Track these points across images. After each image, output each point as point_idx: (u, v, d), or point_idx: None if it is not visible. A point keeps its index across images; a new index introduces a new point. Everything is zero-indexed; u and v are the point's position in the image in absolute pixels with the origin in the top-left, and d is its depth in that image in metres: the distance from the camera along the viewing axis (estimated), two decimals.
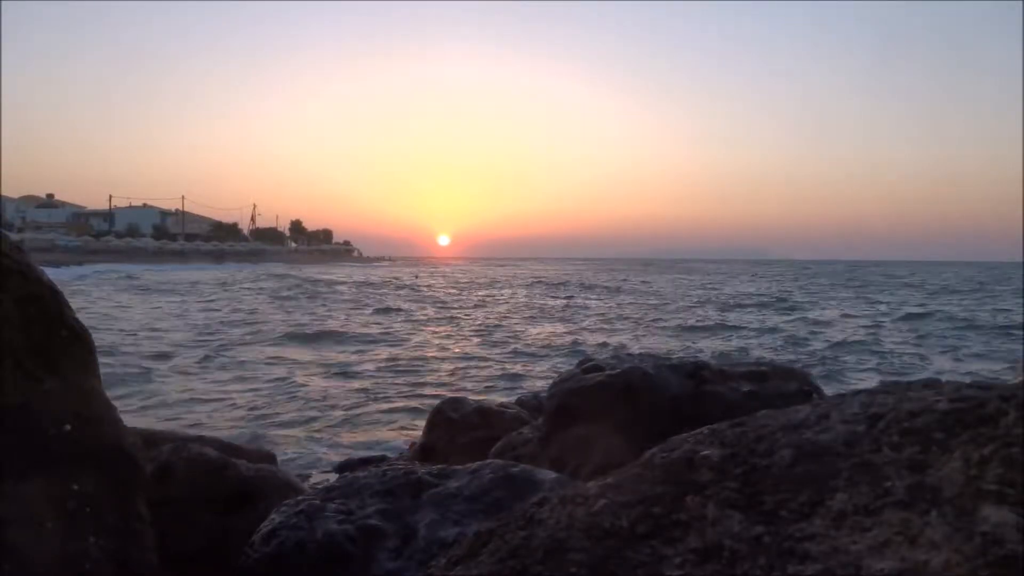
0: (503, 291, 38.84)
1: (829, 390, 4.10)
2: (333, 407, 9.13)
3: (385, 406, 9.31)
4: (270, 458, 4.30)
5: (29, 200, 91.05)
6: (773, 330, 19.62)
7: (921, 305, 29.16)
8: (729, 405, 3.26)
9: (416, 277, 56.37)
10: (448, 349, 15.47)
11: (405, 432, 7.86)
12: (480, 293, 37.44)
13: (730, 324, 21.28)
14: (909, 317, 23.24)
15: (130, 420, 2.43)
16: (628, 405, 3.44)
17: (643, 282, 50.11)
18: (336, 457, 6.89)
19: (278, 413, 8.72)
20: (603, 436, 3.38)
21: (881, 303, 30.60)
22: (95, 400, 2.03)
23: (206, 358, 12.92)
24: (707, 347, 15.68)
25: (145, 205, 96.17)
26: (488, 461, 2.64)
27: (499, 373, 12.27)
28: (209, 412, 8.71)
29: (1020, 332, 19.04)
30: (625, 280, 53.62)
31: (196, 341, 15.36)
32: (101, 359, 2.25)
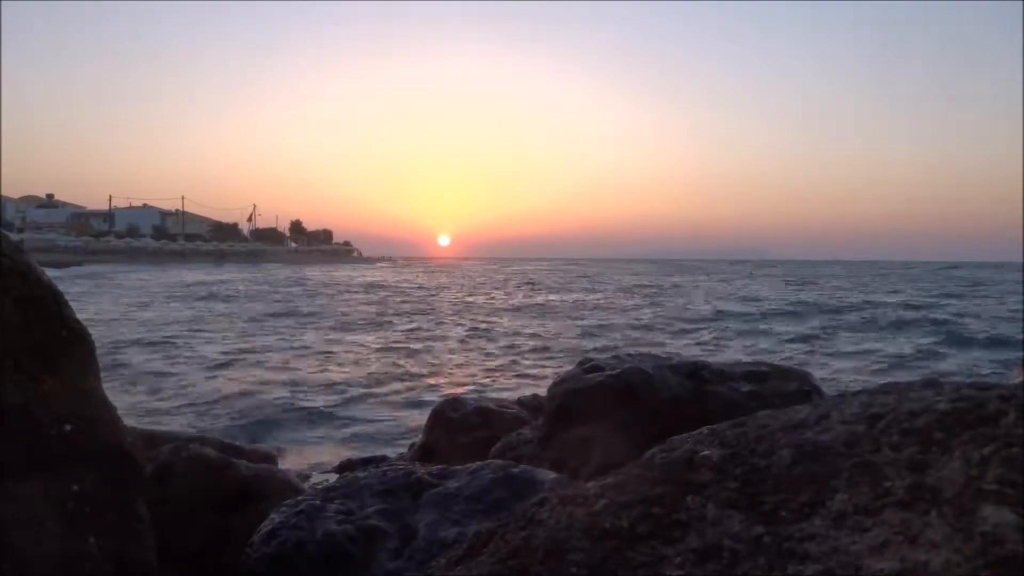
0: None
1: None
2: None
3: None
4: (270, 458, 4.30)
5: (29, 200, 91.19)
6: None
7: None
8: (729, 405, 3.26)
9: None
10: None
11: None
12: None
13: None
14: None
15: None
16: (628, 405, 3.44)
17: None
18: (336, 457, 6.91)
19: None
20: (603, 436, 3.38)
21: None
22: (95, 400, 2.03)
23: None
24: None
25: (145, 205, 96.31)
26: (488, 461, 2.64)
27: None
28: None
29: None
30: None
31: None
32: None
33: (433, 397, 9.10)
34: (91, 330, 2.14)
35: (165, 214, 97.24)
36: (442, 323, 21.72)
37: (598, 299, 32.56)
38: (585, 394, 3.57)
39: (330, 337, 17.32)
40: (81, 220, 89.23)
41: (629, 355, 4.02)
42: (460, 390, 10.31)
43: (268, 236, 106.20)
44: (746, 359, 11.97)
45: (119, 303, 25.68)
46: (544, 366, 13.01)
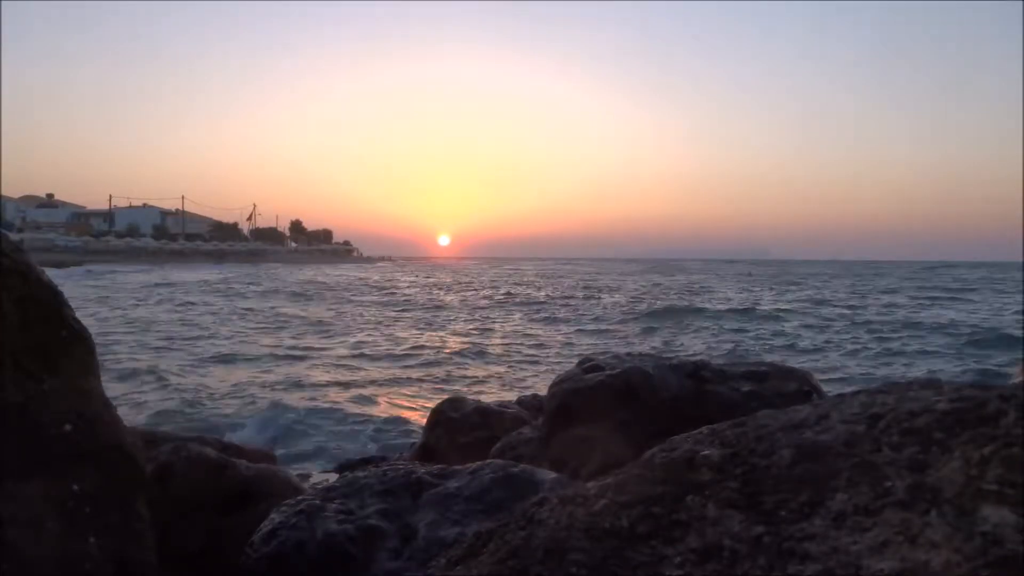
0: None
1: None
2: None
3: None
4: (270, 458, 4.30)
5: (29, 200, 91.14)
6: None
7: None
8: (729, 405, 3.26)
9: None
10: None
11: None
12: None
13: None
14: None
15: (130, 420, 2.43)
16: (628, 405, 3.44)
17: None
18: (336, 457, 6.91)
19: None
20: (603, 436, 3.38)
21: None
22: (95, 400, 2.03)
23: None
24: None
25: (145, 205, 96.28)
26: (488, 461, 2.63)
27: None
28: None
29: None
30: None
31: None
32: None
33: (432, 396, 9.10)
34: (90, 330, 2.14)
35: (165, 214, 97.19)
36: (440, 321, 21.74)
37: (591, 297, 32.93)
38: (585, 394, 3.57)
39: (329, 337, 17.33)
40: (81, 220, 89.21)
41: (629, 355, 4.02)
42: (459, 389, 10.31)
43: (268, 236, 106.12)
44: (744, 359, 12.00)
45: (118, 303, 25.67)
46: (537, 369, 13.04)
